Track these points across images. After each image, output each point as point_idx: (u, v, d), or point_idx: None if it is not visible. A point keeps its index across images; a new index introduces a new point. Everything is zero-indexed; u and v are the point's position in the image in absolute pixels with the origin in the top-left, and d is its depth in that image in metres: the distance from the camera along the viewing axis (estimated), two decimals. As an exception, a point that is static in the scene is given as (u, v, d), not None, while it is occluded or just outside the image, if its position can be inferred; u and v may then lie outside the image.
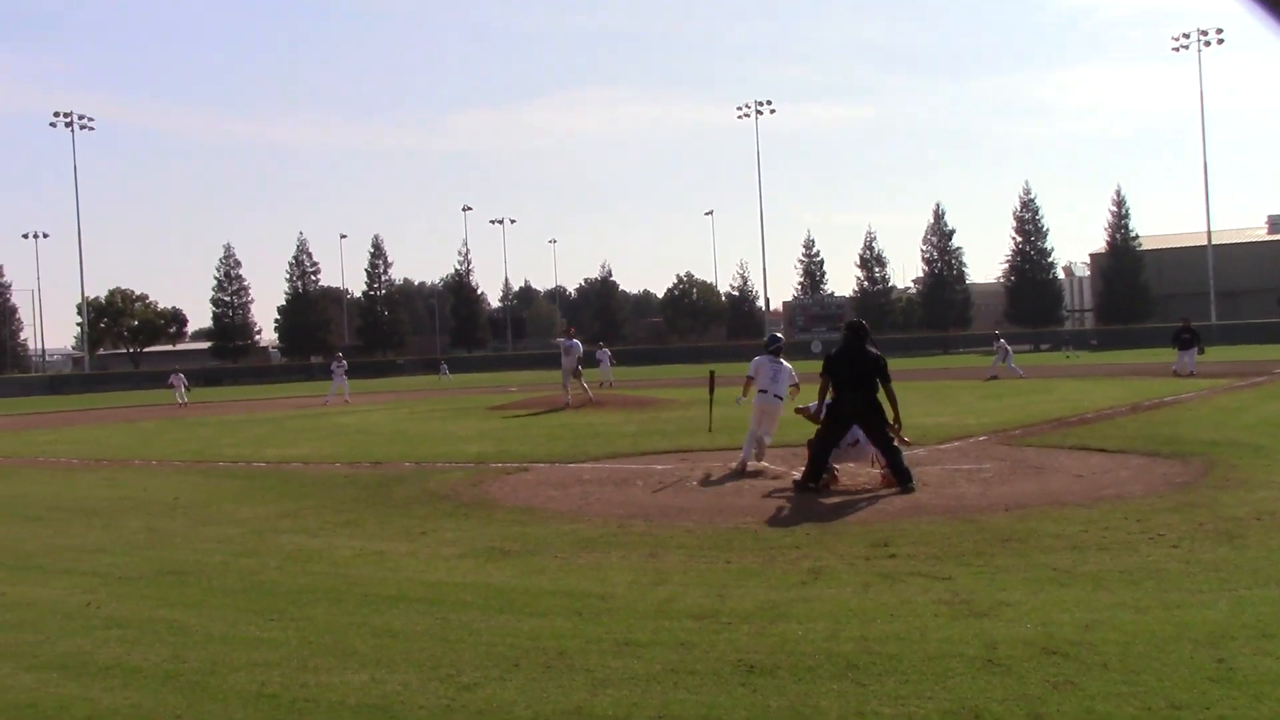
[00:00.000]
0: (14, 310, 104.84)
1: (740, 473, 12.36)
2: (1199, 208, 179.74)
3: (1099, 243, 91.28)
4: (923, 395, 26.42)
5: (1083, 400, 22.15)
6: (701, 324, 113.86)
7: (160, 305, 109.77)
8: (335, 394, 38.12)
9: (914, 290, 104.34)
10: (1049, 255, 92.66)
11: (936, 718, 4.46)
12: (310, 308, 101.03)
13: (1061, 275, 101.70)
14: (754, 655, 5.34)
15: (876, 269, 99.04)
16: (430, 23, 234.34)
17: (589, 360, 40.25)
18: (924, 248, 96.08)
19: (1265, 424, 16.08)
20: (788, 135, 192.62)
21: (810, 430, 11.96)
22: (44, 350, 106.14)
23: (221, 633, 6.22)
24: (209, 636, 6.14)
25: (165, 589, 7.59)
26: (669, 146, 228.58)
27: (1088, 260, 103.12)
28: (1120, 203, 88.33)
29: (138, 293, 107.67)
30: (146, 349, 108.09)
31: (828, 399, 11.47)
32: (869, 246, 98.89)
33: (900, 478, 10.81)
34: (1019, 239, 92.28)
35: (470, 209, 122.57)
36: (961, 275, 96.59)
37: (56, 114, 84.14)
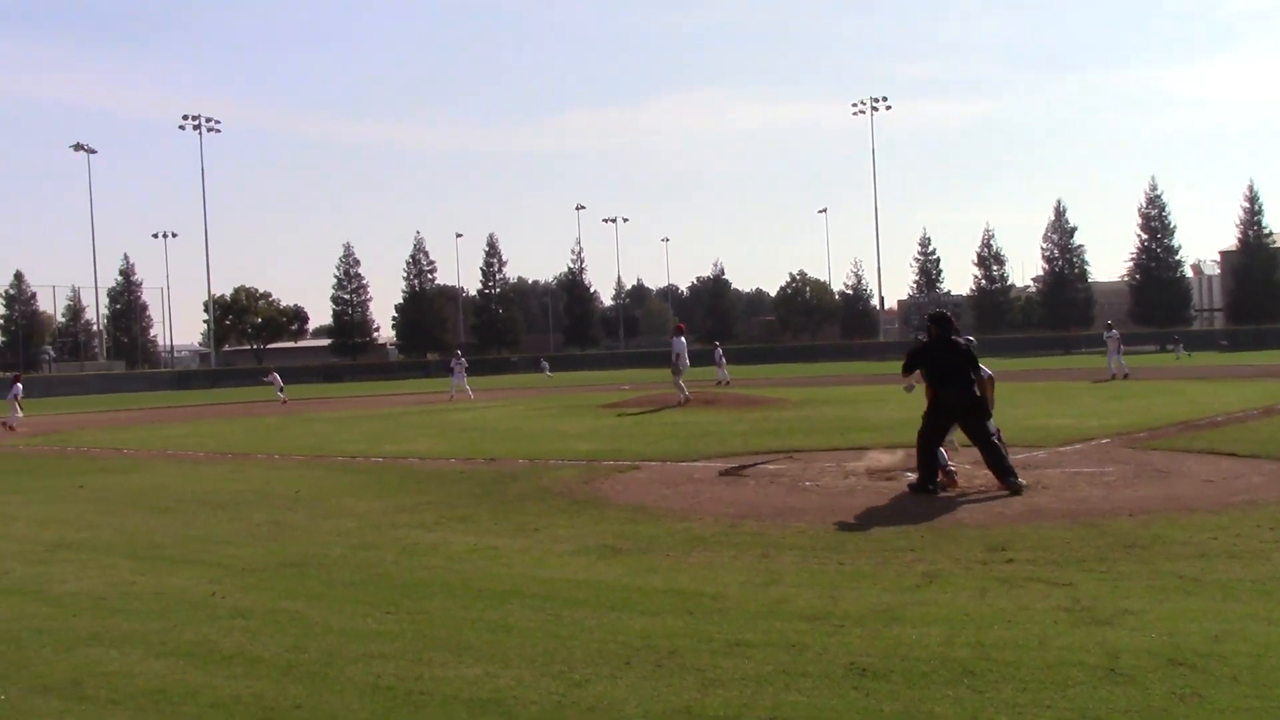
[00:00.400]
0: (144, 307, 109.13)
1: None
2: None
3: (1230, 240, 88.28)
4: (1042, 396, 25.80)
5: (1213, 402, 21.36)
6: (815, 323, 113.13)
7: (283, 303, 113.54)
8: (456, 390, 38.69)
9: (1033, 289, 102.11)
10: (1176, 253, 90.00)
11: (1057, 728, 4.32)
12: (427, 306, 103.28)
13: (1190, 273, 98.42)
14: (866, 658, 5.25)
15: (995, 267, 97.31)
16: (544, 25, 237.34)
17: (705, 359, 40.00)
18: (1044, 245, 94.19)
19: None
20: (904, 132, 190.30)
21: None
22: (173, 346, 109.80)
23: (340, 625, 6.34)
24: (328, 628, 6.27)
25: (287, 580, 7.79)
26: (782, 144, 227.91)
27: (1218, 258, 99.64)
28: (1253, 198, 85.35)
29: (261, 291, 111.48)
30: (269, 346, 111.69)
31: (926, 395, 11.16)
32: (987, 244, 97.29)
33: (1003, 474, 10.50)
34: (1144, 236, 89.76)
35: (584, 208, 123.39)
36: (1084, 273, 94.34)
37: (185, 117, 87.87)
